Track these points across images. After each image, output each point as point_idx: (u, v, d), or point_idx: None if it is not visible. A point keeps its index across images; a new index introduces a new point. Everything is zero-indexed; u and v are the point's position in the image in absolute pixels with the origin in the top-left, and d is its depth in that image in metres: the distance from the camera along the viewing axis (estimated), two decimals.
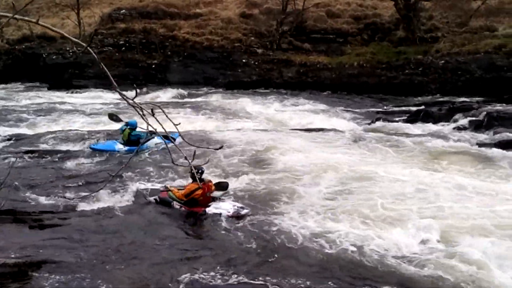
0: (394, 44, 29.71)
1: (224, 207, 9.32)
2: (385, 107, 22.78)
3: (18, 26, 30.72)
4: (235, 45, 30.80)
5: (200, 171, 9.35)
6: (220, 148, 2.08)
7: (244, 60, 30.07)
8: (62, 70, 29.09)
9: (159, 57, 30.45)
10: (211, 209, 9.31)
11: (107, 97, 25.03)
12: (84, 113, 20.16)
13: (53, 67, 29.29)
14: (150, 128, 1.79)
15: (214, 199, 9.64)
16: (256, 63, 29.93)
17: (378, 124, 18.51)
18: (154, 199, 9.66)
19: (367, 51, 29.71)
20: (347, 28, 31.96)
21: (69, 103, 22.74)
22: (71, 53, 29.11)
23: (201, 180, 9.29)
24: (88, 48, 1.72)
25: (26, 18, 1.71)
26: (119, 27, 31.86)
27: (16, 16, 1.58)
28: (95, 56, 1.71)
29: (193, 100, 24.68)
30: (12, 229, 8.25)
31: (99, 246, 7.61)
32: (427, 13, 31.16)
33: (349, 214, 9.01)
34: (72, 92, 26.78)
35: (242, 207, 9.43)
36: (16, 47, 30.95)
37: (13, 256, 7.07)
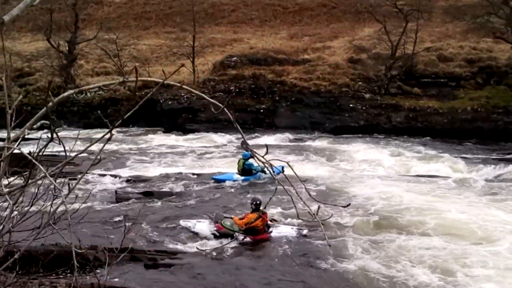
0: None
1: (285, 230, 10.17)
2: (501, 154, 21.48)
3: (139, 75, 32.98)
4: (343, 90, 30.80)
5: (258, 202, 10.15)
6: (348, 205, 2.12)
7: (351, 105, 29.95)
8: (176, 114, 30.78)
9: (267, 102, 31.23)
10: (275, 234, 10.03)
11: (218, 141, 26.04)
12: (197, 156, 21.05)
13: (168, 112, 31.07)
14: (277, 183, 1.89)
15: (269, 226, 10.25)
16: (364, 108, 29.68)
17: (493, 171, 17.62)
18: (212, 233, 10.12)
19: (482, 95, 28.42)
20: (459, 71, 30.84)
21: (183, 146, 23.90)
22: (185, 99, 30.75)
23: (260, 211, 9.94)
24: (225, 109, 1.87)
25: (173, 82, 1.90)
26: (230, 73, 33.21)
27: (166, 81, 1.76)
28: (231, 117, 1.84)
29: (300, 144, 24.93)
30: (128, 267, 8.71)
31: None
32: None
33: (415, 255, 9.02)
34: (186, 135, 28.22)
35: (300, 228, 10.21)
36: (137, 93, 33.21)
37: None
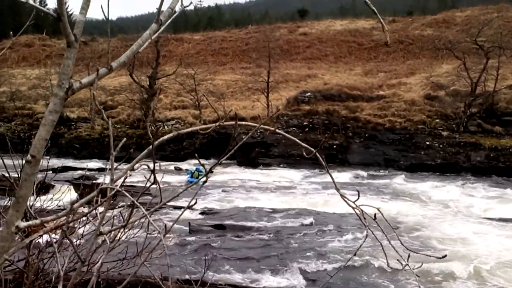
0: None
1: None
2: None
3: (214, 109, 33.89)
4: (419, 127, 30.15)
5: None
6: (444, 257, 2.04)
7: (427, 143, 29.16)
8: (250, 148, 31.13)
9: (340, 138, 31.01)
10: None
11: (291, 176, 25.98)
12: (270, 191, 21.09)
13: (242, 145, 31.27)
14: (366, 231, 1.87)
15: None
16: (441, 145, 28.81)
17: None
18: None
19: None
20: None
21: (256, 180, 24.06)
22: (259, 133, 31.12)
23: None
24: (317, 154, 1.88)
25: (267, 127, 1.94)
26: (303, 108, 33.37)
27: (262, 126, 1.80)
28: (323, 163, 1.84)
29: (374, 181, 24.41)
30: None
31: None
32: None
33: None
34: (258, 169, 28.44)
35: None
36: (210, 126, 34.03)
37: None
